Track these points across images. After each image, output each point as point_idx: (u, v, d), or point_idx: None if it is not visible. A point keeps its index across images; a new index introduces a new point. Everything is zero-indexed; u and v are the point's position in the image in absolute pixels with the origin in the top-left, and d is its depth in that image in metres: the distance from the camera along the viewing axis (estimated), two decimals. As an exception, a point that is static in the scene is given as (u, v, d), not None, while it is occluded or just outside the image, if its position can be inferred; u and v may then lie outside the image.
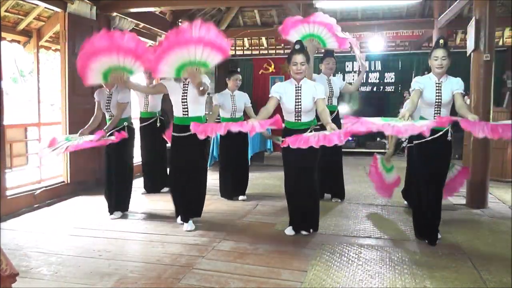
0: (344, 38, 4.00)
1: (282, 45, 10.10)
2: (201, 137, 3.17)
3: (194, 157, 3.76)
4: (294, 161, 3.42)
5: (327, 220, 4.02)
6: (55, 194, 4.91)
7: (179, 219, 3.92)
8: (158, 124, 5.14)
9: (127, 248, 3.40)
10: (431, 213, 3.36)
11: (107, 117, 4.15)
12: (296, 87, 3.46)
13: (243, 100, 4.83)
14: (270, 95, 3.54)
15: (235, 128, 3.08)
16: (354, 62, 9.02)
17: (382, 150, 5.11)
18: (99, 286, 2.67)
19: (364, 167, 7.17)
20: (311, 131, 3.41)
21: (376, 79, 9.10)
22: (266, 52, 10.49)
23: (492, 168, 4.84)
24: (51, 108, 13.25)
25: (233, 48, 10.66)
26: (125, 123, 4.14)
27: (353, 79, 9.14)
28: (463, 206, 4.61)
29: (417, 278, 2.74)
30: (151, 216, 4.28)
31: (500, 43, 8.88)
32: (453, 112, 3.33)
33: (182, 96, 3.67)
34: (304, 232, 3.60)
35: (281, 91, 3.48)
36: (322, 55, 4.91)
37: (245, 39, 10.38)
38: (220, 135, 4.91)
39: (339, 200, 4.79)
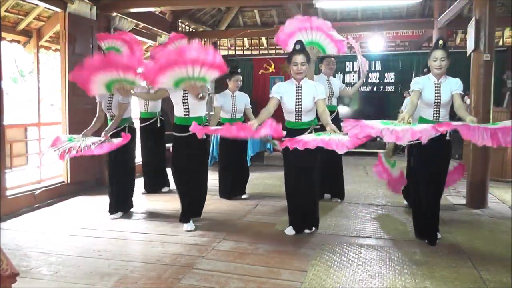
0: (342, 41, 4.00)
1: (282, 45, 10.10)
2: (200, 136, 3.19)
3: (195, 157, 3.76)
4: (294, 161, 3.43)
5: (327, 220, 4.02)
6: (55, 194, 4.91)
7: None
8: (158, 124, 5.15)
9: (127, 248, 3.40)
10: (431, 213, 3.36)
11: (109, 117, 4.15)
12: (296, 87, 3.46)
13: (243, 101, 4.84)
14: (270, 96, 3.55)
15: (234, 133, 3.08)
16: (354, 62, 9.02)
17: (382, 150, 5.12)
18: (99, 286, 2.67)
19: (364, 167, 7.18)
20: (311, 131, 3.42)
21: (376, 79, 9.10)
22: (266, 52, 10.49)
23: (492, 168, 4.84)
24: (51, 108, 13.26)
25: (233, 48, 10.67)
26: (127, 123, 4.15)
27: (353, 79, 9.16)
28: (463, 206, 4.61)
29: (417, 278, 2.74)
30: (151, 216, 4.28)
31: (500, 43, 8.88)
32: (452, 112, 3.33)
33: (183, 96, 3.69)
34: (307, 231, 3.62)
35: (282, 91, 3.49)
36: (322, 55, 4.90)
37: (245, 39, 10.38)
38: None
39: (339, 200, 4.79)
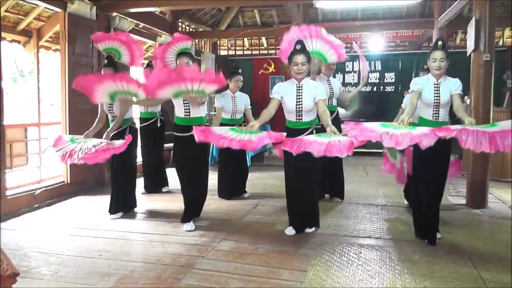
0: (341, 46, 4.00)
1: (282, 45, 10.10)
2: (198, 140, 3.22)
3: (195, 157, 3.76)
4: (294, 161, 3.42)
5: (327, 220, 4.02)
6: (55, 194, 4.91)
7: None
8: (158, 124, 5.15)
9: (127, 248, 3.40)
10: (431, 213, 3.36)
11: (110, 118, 4.15)
12: (297, 87, 3.46)
13: (243, 101, 4.84)
14: (271, 96, 3.56)
15: (236, 145, 3.09)
16: (354, 62, 9.03)
17: (381, 150, 5.14)
18: (99, 286, 2.67)
19: (364, 167, 7.18)
20: (312, 131, 3.43)
21: (376, 79, 9.10)
22: (266, 52, 10.50)
23: (492, 168, 4.84)
24: (51, 108, 13.26)
25: (233, 48, 10.68)
26: (128, 124, 4.15)
27: (353, 79, 9.17)
28: (463, 206, 4.61)
29: (417, 278, 2.74)
30: (151, 216, 4.28)
31: (500, 43, 8.88)
32: (452, 111, 3.33)
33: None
34: (307, 230, 3.62)
35: (282, 92, 3.49)
36: (323, 64, 4.87)
37: (245, 39, 10.39)
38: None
39: (339, 200, 4.79)
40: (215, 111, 4.96)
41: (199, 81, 3.22)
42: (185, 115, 3.75)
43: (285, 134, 3.26)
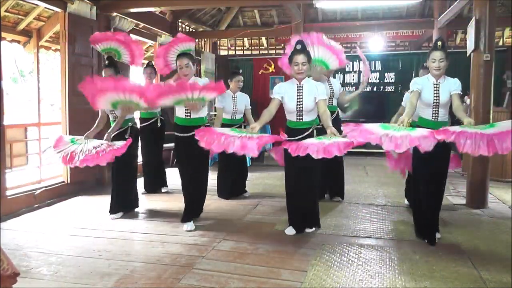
0: (342, 52, 4.00)
1: (282, 45, 10.10)
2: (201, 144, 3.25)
3: (196, 157, 3.76)
4: (294, 161, 3.42)
5: (327, 220, 4.02)
6: (55, 194, 4.91)
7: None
8: (158, 124, 5.14)
9: (127, 248, 3.40)
10: (431, 213, 3.36)
11: (111, 118, 4.15)
12: (298, 87, 3.46)
13: (244, 101, 4.84)
14: (272, 97, 3.56)
15: (237, 149, 3.10)
16: (354, 62, 9.03)
17: (381, 150, 5.13)
18: (99, 286, 2.67)
19: (364, 167, 7.18)
20: (312, 131, 3.43)
21: (376, 79, 9.09)
22: (266, 52, 10.50)
23: (492, 168, 4.84)
24: (51, 108, 13.27)
25: (233, 48, 10.68)
26: (130, 124, 4.15)
27: (353, 79, 9.16)
28: (463, 206, 4.61)
29: (417, 278, 2.74)
30: (151, 216, 4.28)
31: (500, 43, 8.88)
32: (451, 111, 3.33)
33: None
34: (308, 230, 3.62)
35: (282, 92, 3.49)
36: (326, 71, 4.86)
37: (245, 39, 10.39)
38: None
39: (340, 199, 4.79)
40: (215, 111, 4.96)
41: (199, 90, 3.28)
42: (185, 115, 3.75)
43: (285, 136, 3.27)
